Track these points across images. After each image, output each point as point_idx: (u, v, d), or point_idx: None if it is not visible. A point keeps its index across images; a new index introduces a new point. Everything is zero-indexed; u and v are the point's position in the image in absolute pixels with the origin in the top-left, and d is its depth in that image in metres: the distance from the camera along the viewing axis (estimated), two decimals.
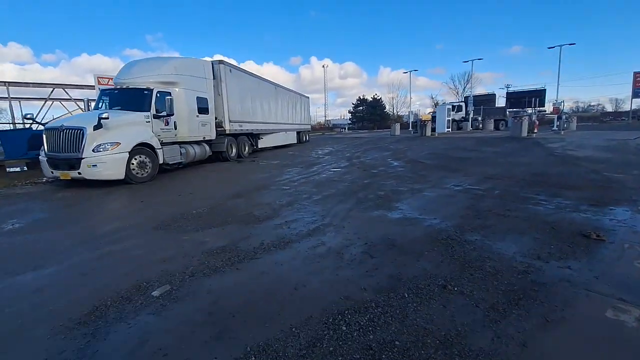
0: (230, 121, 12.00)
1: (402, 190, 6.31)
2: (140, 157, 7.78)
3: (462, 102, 28.71)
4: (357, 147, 16.84)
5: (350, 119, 57.22)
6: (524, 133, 17.05)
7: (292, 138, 20.38)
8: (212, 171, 9.88)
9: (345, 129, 50.89)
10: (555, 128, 21.15)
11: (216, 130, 11.75)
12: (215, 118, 11.74)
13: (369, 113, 53.80)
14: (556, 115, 21.47)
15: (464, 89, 53.34)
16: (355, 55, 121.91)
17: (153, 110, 8.35)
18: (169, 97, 8.41)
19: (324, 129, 53.84)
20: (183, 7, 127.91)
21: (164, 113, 8.49)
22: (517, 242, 3.62)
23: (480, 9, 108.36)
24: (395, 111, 57.77)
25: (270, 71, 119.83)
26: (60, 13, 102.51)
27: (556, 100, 21.95)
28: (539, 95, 36.90)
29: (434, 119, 25.41)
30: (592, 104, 78.35)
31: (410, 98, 36.16)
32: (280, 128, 17.85)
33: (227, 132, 11.93)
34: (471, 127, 27.51)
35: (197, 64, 10.28)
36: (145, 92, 8.41)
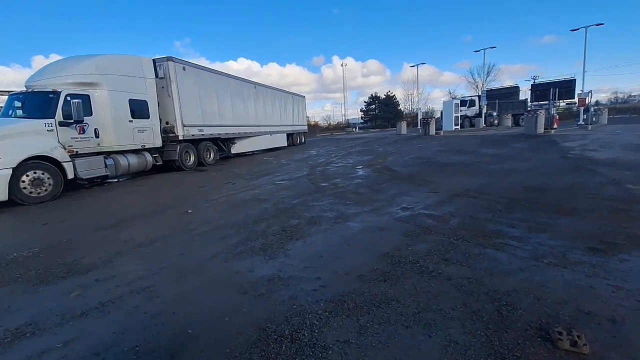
0: (184, 125, 10.62)
1: (325, 217, 4.59)
2: (34, 173, 6.48)
3: (475, 96, 26.04)
4: (342, 150, 15.06)
5: (362, 117, 54.98)
6: (540, 129, 14.57)
7: (280, 141, 18.86)
8: (141, 186, 8.49)
9: (355, 128, 48.85)
10: (581, 122, 18.36)
11: (167, 136, 10.41)
12: (167, 123, 10.42)
13: (382, 111, 51.36)
14: (582, 108, 18.62)
15: (484, 82, 49.71)
16: (378, 52, 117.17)
17: (59, 117, 7.05)
18: (76, 101, 7.06)
19: (334, 129, 52.06)
20: (208, 12, 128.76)
21: (76, 119, 7.16)
22: (407, 353, 1.87)
23: None
24: (412, 108, 54.83)
25: (292, 72, 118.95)
26: (94, 23, 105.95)
27: (582, 91, 19.07)
28: (568, 86, 33.39)
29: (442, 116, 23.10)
30: (632, 94, 70.87)
31: (419, 94, 33.56)
32: (262, 131, 16.37)
33: (181, 137, 10.55)
34: (485, 123, 24.78)
35: (130, 61, 8.94)
36: (51, 95, 7.14)
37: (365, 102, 54.56)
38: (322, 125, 61.08)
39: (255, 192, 6.63)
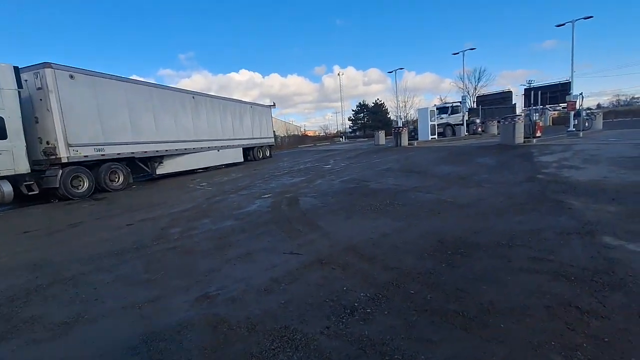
0: (70, 145, 8.66)
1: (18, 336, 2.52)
2: None
3: (457, 102, 23.93)
4: (285, 169, 12.98)
5: (350, 126, 52.96)
6: (519, 139, 12.45)
7: (233, 156, 16.83)
8: None
9: (342, 138, 46.84)
10: (572, 129, 16.20)
11: (48, 158, 8.45)
12: (47, 143, 8.46)
13: (371, 120, 49.36)
14: (572, 113, 16.50)
15: (475, 88, 47.78)
16: (379, 61, 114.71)
17: None
18: None
19: (323, 139, 50.13)
20: (212, 27, 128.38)
21: None
22: None
23: (506, 2, 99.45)
24: (404, 116, 52.64)
25: (294, 82, 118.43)
26: (98, 35, 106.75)
27: (570, 93, 16.98)
28: (563, 90, 31.32)
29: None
30: (635, 96, 67.64)
31: (398, 101, 31.48)
32: (204, 146, 14.38)
33: (66, 160, 8.57)
34: (467, 131, 22.62)
35: None
36: None
37: (353, 110, 52.72)
38: (318, 134, 59.36)
39: (49, 251, 4.58)
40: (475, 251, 3.27)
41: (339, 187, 7.17)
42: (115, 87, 10.18)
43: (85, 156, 9.11)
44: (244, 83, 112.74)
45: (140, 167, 11.42)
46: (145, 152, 11.20)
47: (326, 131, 61.94)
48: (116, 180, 10.20)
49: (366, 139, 43.87)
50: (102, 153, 9.60)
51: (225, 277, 3.12)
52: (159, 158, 12.10)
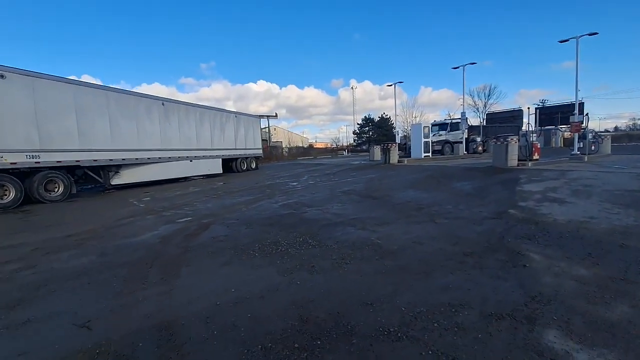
0: None
1: None
2: None
3: (457, 119, 22.57)
4: (254, 182, 11.91)
5: (355, 140, 51.77)
6: (512, 161, 11.14)
7: (209, 167, 15.88)
8: None
9: (345, 151, 45.72)
10: (575, 152, 14.73)
11: None
12: None
13: (376, 134, 48.13)
14: (576, 135, 15.04)
15: (485, 105, 46.27)
16: (396, 76, 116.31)
17: None
18: None
19: (329, 152, 49.07)
20: (234, 38, 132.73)
21: None
22: None
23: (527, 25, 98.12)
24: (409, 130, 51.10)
25: (310, 94, 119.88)
26: (121, 44, 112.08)
27: (574, 113, 15.57)
28: (574, 110, 29.68)
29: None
30: None
31: (396, 115, 30.29)
32: (173, 156, 13.48)
33: None
34: (466, 150, 21.19)
35: None
36: None
37: (358, 124, 51.72)
38: (330, 146, 58.56)
39: None
40: (338, 346, 2.10)
41: (271, 214, 6.04)
42: (60, 90, 9.39)
43: (12, 163, 8.26)
44: (261, 94, 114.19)
45: (89, 176, 10.54)
46: (96, 160, 10.33)
47: (337, 143, 60.91)
48: (55, 190, 9.30)
49: (367, 154, 42.66)
50: (37, 160, 8.75)
51: None
52: (115, 167, 11.21)
